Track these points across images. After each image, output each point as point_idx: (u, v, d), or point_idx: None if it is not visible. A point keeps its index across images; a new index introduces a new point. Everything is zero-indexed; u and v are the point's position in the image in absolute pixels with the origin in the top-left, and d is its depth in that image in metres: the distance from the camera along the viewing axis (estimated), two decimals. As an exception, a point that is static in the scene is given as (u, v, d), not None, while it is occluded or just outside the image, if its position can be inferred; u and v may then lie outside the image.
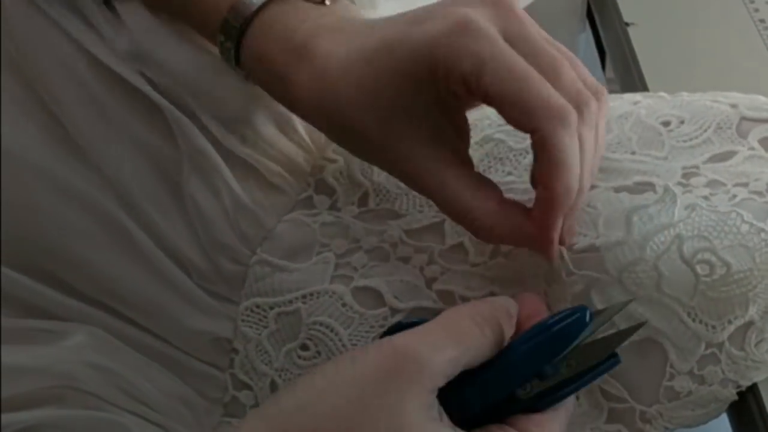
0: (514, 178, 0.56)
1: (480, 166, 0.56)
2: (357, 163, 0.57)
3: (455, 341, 0.43)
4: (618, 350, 0.46)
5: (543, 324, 0.45)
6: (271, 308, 0.55)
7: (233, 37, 0.51)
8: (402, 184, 0.55)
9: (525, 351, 0.44)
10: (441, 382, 0.43)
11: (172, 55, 0.54)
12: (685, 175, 0.53)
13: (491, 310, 0.45)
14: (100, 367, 0.53)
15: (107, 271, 0.54)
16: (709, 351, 0.50)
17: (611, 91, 0.59)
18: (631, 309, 0.50)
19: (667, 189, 0.51)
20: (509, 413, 0.45)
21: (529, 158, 0.56)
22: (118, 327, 0.55)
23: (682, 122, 0.56)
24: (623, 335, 0.47)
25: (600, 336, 0.47)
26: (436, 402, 0.43)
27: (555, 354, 0.44)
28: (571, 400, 0.47)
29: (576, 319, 0.44)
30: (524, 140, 0.57)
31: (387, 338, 0.43)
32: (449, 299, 0.53)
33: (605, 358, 0.46)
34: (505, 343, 0.45)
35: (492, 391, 0.44)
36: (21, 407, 0.50)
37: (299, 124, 0.56)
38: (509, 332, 0.46)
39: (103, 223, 0.54)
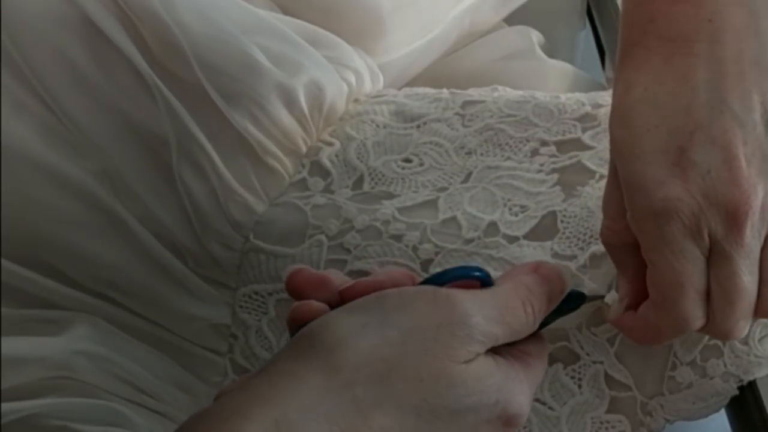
0: (515, 164, 0.56)
1: (478, 151, 0.56)
2: (353, 147, 0.57)
3: (505, 323, 0.43)
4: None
5: None
6: (270, 294, 0.55)
7: None
8: (398, 168, 0.55)
9: None
10: (482, 351, 0.42)
11: (180, 26, 0.53)
12: None
13: (543, 293, 0.45)
14: (99, 357, 0.53)
15: (104, 260, 0.54)
16: (712, 342, 0.50)
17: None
18: None
19: None
20: None
21: (530, 146, 0.56)
22: (117, 316, 0.55)
23: None
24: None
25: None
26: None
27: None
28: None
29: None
30: (526, 130, 0.57)
31: (444, 290, 0.42)
32: None
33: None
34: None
35: None
36: (21, 397, 0.50)
37: (303, 100, 0.56)
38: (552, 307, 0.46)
39: (98, 212, 0.54)
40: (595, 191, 0.53)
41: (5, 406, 0.49)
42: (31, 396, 0.51)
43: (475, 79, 0.66)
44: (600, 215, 0.51)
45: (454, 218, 0.54)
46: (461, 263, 0.52)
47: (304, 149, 0.57)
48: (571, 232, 0.53)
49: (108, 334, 0.54)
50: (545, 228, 0.53)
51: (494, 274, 0.52)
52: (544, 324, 0.46)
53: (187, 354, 0.56)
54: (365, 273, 0.53)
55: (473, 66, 0.74)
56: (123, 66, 0.53)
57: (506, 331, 0.43)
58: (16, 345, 0.52)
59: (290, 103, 0.56)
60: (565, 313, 0.47)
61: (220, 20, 0.55)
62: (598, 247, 0.52)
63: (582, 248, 0.52)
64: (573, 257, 0.52)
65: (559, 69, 0.76)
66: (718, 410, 0.52)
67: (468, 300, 0.42)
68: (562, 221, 0.53)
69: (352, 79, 0.60)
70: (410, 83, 0.69)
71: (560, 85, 0.75)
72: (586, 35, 0.88)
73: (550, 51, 0.77)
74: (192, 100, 0.54)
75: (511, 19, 0.77)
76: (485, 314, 0.42)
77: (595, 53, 0.91)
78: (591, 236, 0.52)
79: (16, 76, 0.53)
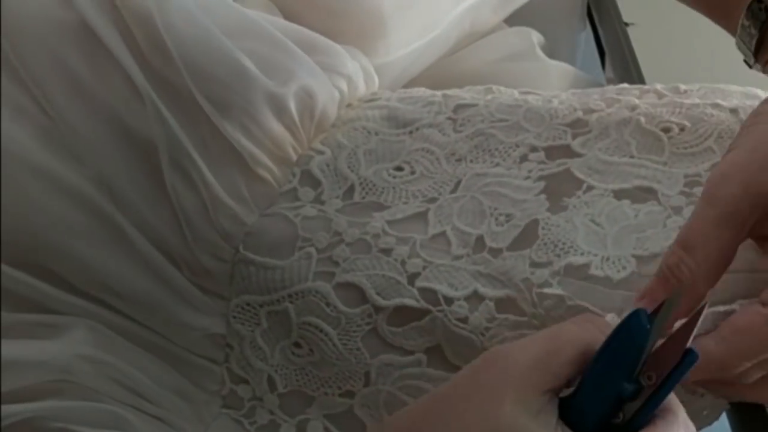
0: (503, 170, 0.55)
1: (468, 157, 0.56)
2: (344, 156, 0.57)
3: (548, 337, 0.44)
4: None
5: (605, 344, 0.43)
6: (261, 306, 0.55)
7: (759, 22, 0.50)
8: (389, 177, 0.55)
9: (596, 379, 0.43)
10: (538, 380, 0.42)
11: (169, 29, 0.53)
12: (687, 184, 0.52)
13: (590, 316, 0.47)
14: (99, 361, 0.53)
15: (102, 266, 0.54)
16: None
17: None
18: None
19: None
20: None
21: (519, 151, 0.56)
22: (115, 321, 0.55)
23: (683, 129, 0.55)
24: (689, 327, 0.42)
25: (666, 337, 0.43)
26: (546, 406, 0.42)
27: (628, 371, 0.42)
28: (677, 406, 0.44)
29: (635, 331, 0.42)
30: (516, 135, 0.57)
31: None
32: (432, 298, 0.53)
33: (681, 357, 0.42)
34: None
35: (581, 422, 0.43)
36: (21, 399, 0.50)
37: (294, 108, 0.56)
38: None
39: (96, 218, 0.54)
40: (581, 204, 0.53)
41: (5, 408, 0.50)
42: (31, 399, 0.51)
43: (475, 80, 0.66)
44: (582, 232, 0.51)
45: (443, 233, 0.54)
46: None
47: (294, 157, 0.57)
48: (550, 239, 0.52)
49: (107, 339, 0.54)
50: (526, 236, 0.53)
51: (482, 289, 0.52)
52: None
53: (185, 362, 0.56)
54: (353, 285, 0.54)
55: (473, 67, 0.74)
56: (118, 72, 0.53)
57: (555, 345, 0.43)
58: (16, 348, 0.52)
59: (280, 111, 0.55)
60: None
61: (210, 24, 0.54)
62: (576, 259, 0.51)
63: (558, 255, 0.52)
64: (549, 264, 0.52)
65: (559, 70, 0.76)
66: (710, 424, 0.52)
67: (512, 343, 0.45)
68: (543, 228, 0.53)
69: (344, 86, 0.59)
70: (410, 84, 0.68)
71: (560, 86, 0.75)
72: (586, 36, 0.88)
73: (551, 52, 0.77)
74: (183, 108, 0.54)
75: (512, 20, 0.77)
76: (526, 342, 0.44)
77: (595, 53, 0.91)
78: (570, 247, 0.52)
79: (15, 80, 0.53)
